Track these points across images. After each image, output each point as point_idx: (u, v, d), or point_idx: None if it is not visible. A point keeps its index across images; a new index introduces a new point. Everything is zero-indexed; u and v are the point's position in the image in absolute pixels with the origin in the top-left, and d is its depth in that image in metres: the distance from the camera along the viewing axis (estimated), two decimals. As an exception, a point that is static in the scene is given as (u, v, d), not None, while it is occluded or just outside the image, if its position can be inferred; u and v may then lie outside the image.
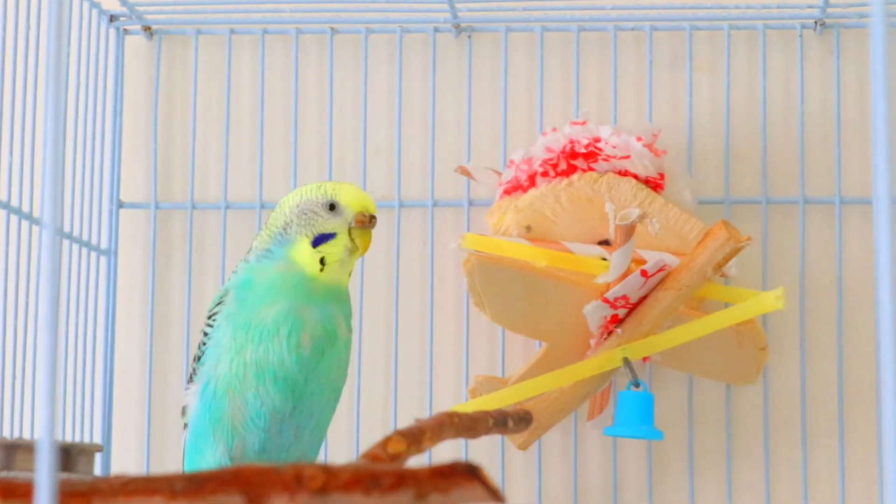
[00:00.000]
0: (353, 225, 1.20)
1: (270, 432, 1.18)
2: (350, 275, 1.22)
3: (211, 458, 1.18)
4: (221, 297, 1.21)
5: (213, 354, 1.19)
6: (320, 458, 1.37)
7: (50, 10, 0.64)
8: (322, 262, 1.19)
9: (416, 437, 0.87)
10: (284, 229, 1.21)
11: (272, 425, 1.18)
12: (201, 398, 1.19)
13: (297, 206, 1.21)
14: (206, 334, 1.20)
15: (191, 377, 1.21)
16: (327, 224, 1.20)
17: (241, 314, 1.18)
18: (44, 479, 0.60)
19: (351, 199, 1.20)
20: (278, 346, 1.17)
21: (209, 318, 1.21)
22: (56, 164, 0.63)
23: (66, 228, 1.40)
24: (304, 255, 1.19)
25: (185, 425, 1.22)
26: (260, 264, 1.21)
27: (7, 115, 1.30)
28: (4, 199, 1.29)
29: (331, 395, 1.21)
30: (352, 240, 1.20)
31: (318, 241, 1.19)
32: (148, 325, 1.48)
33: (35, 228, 1.32)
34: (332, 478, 0.65)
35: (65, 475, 1.05)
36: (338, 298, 1.21)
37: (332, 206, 1.20)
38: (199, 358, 1.20)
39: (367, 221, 1.20)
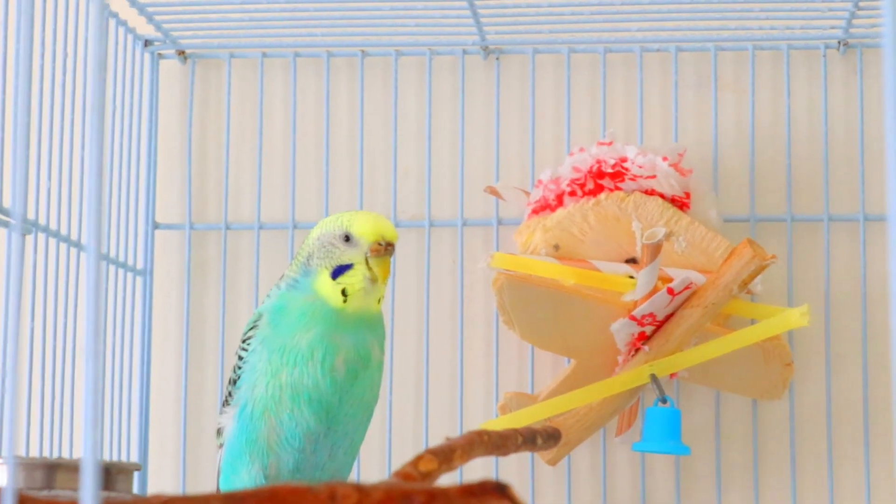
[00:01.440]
0: (368, 255, 1.19)
1: (305, 452, 1.19)
2: (381, 300, 1.22)
3: (246, 478, 1.19)
4: (255, 321, 1.22)
5: (250, 378, 1.20)
6: (353, 476, 1.38)
7: (94, 44, 0.65)
8: (343, 293, 1.19)
9: (447, 455, 0.88)
10: (308, 261, 1.21)
11: (307, 445, 1.19)
12: (238, 420, 1.20)
13: (318, 239, 1.20)
14: (241, 358, 1.21)
15: (226, 400, 1.22)
16: (344, 256, 1.19)
17: (275, 338, 1.19)
18: (88, 499, 0.62)
19: (365, 229, 1.18)
20: (313, 369, 1.18)
21: (244, 341, 1.22)
22: (98, 193, 0.64)
23: (104, 250, 1.42)
24: (326, 287, 1.19)
25: (220, 445, 1.23)
26: (290, 293, 1.21)
27: (45, 141, 1.32)
28: (44, 222, 1.31)
29: (363, 416, 1.21)
30: (370, 269, 1.19)
31: (337, 272, 1.19)
32: (183, 344, 1.49)
33: (73, 251, 1.34)
34: (365, 496, 0.67)
35: (105, 494, 1.07)
36: (369, 325, 1.21)
37: (348, 238, 1.19)
38: (235, 382, 1.21)
39: (382, 250, 1.18)
